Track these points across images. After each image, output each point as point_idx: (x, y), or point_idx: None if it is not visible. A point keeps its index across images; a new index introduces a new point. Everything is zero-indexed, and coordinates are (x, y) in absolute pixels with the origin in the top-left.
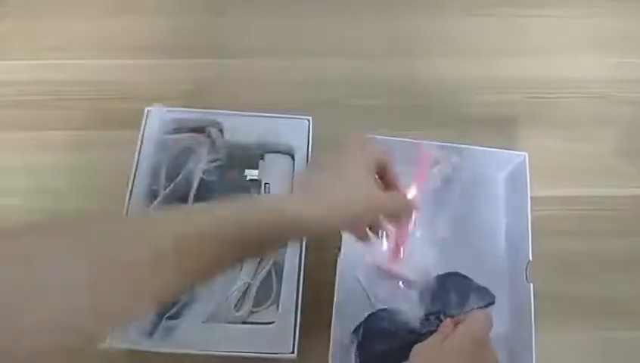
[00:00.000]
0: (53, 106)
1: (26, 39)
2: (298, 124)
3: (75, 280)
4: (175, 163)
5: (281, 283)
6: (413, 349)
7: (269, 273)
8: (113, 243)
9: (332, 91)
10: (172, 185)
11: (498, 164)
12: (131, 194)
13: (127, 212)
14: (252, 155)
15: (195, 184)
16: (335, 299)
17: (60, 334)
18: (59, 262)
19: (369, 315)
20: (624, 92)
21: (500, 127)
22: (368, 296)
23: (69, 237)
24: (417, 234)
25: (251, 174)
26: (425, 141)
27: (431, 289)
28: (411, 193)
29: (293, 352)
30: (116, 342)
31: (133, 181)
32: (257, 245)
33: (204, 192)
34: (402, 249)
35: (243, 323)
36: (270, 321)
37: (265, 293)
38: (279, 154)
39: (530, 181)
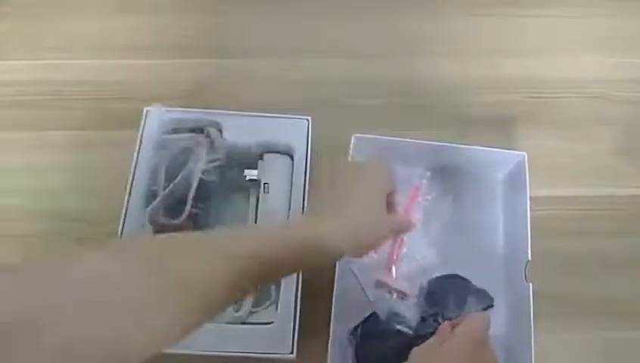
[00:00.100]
0: (53, 106)
1: (26, 39)
2: (297, 124)
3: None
4: (175, 163)
5: (280, 284)
6: (412, 352)
7: None
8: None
9: (332, 91)
10: (171, 186)
11: (498, 164)
12: (130, 195)
13: (126, 212)
14: (251, 155)
15: (194, 185)
16: (334, 299)
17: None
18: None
19: (368, 316)
20: (624, 92)
21: (500, 127)
22: (363, 289)
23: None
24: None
25: (250, 174)
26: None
27: (430, 291)
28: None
29: (292, 353)
30: None
31: (132, 181)
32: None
33: (204, 192)
34: (395, 262)
35: (243, 323)
36: (269, 321)
37: (265, 293)
38: (278, 154)
39: (530, 181)
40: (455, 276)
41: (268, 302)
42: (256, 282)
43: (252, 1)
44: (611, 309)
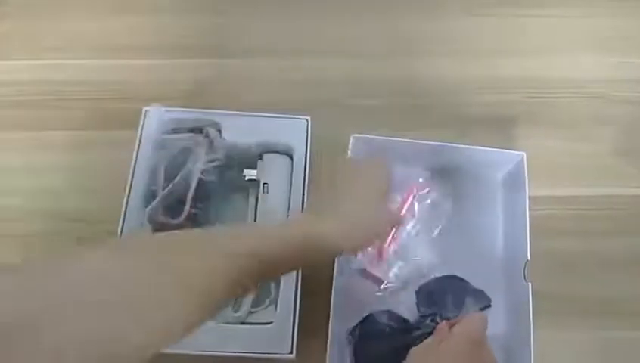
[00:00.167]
0: (53, 106)
1: (26, 39)
2: (296, 124)
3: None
4: (174, 163)
5: (279, 284)
6: (410, 352)
7: None
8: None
9: (332, 91)
10: (170, 186)
11: (497, 164)
12: (129, 195)
13: (125, 212)
14: (250, 155)
15: (194, 185)
16: (332, 299)
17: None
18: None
19: (366, 317)
20: (624, 92)
21: (500, 127)
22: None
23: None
24: (414, 234)
25: (250, 174)
26: (417, 179)
27: (428, 291)
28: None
29: (291, 353)
30: None
31: (131, 181)
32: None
33: (203, 192)
34: (384, 253)
35: (242, 323)
36: (268, 321)
37: (264, 293)
38: (277, 154)
39: (530, 181)
40: (453, 277)
41: (267, 302)
42: (256, 279)
43: (252, 1)
44: (610, 309)
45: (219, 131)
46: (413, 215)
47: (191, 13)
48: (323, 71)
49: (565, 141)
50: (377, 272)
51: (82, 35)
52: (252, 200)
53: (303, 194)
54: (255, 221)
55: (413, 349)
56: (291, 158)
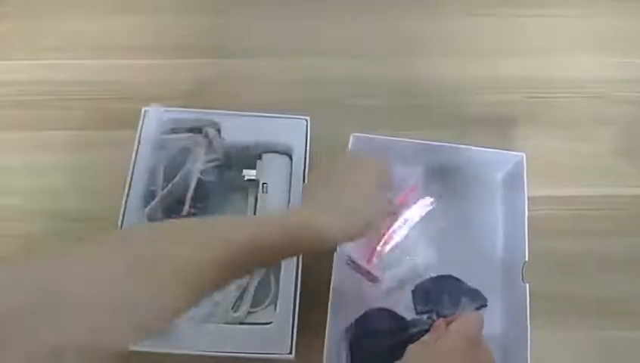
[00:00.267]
0: (53, 106)
1: (26, 39)
2: (296, 124)
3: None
4: (173, 163)
5: (278, 284)
6: (407, 350)
7: (267, 273)
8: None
9: (332, 91)
10: (169, 186)
11: (497, 164)
12: (128, 195)
13: (124, 212)
14: (250, 155)
15: (193, 185)
16: (330, 299)
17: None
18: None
19: (362, 314)
20: (624, 92)
21: (500, 127)
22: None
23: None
24: (412, 234)
25: (249, 174)
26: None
27: (424, 291)
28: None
29: (290, 353)
30: None
31: (130, 181)
32: (278, 255)
33: (202, 192)
34: (381, 253)
35: (241, 323)
36: (268, 321)
37: (263, 293)
38: (277, 154)
39: (529, 181)
40: (449, 277)
41: (266, 302)
42: (253, 267)
43: (252, 1)
44: (608, 309)
45: (218, 131)
46: (411, 216)
47: (191, 13)
48: (323, 71)
49: (565, 141)
50: (374, 271)
51: (82, 35)
52: (251, 199)
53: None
54: None
55: (410, 346)
56: (291, 158)
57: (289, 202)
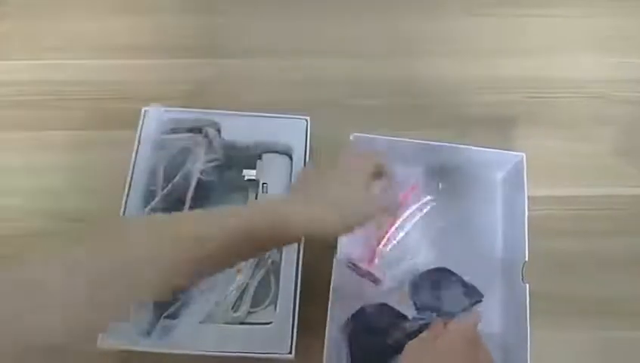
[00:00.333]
0: (53, 106)
1: (26, 39)
2: (296, 124)
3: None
4: (173, 163)
5: (278, 284)
6: (406, 347)
7: (267, 273)
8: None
9: (332, 91)
10: (169, 185)
11: (497, 164)
12: (128, 195)
13: (124, 212)
14: (250, 155)
15: (193, 184)
16: (330, 298)
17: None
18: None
19: (357, 310)
20: (624, 92)
21: (500, 127)
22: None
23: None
24: (412, 234)
25: (249, 174)
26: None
27: (419, 284)
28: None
29: (290, 353)
30: (113, 342)
31: (130, 181)
32: (247, 247)
33: (202, 192)
34: (380, 253)
35: (241, 323)
36: (268, 321)
37: (263, 293)
38: (277, 154)
39: (529, 181)
40: (444, 269)
41: (266, 302)
42: (208, 264)
43: (252, 1)
44: (609, 309)
45: (218, 131)
46: (411, 216)
47: (191, 13)
48: (323, 71)
49: (565, 141)
50: (375, 273)
51: (82, 35)
52: (251, 199)
53: None
54: None
55: (409, 343)
56: (290, 158)
57: None
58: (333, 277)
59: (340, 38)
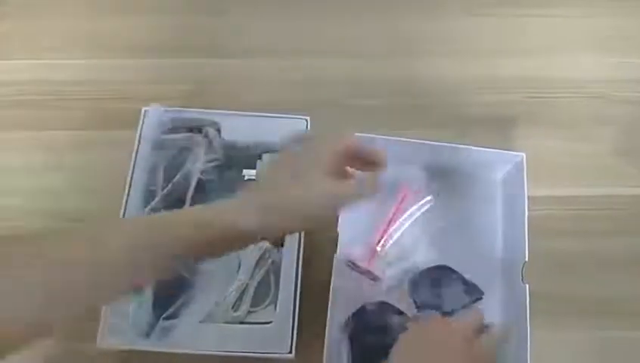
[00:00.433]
0: (53, 106)
1: (26, 39)
2: (296, 124)
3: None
4: (173, 163)
5: (278, 283)
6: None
7: (267, 273)
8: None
9: (332, 91)
10: (169, 185)
11: (497, 164)
12: (128, 195)
13: (124, 212)
14: (250, 155)
15: (193, 184)
16: (330, 298)
17: None
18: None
19: (358, 309)
20: (624, 92)
21: (500, 127)
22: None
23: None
24: (412, 234)
25: (249, 174)
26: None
27: (418, 282)
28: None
29: (290, 352)
30: (113, 342)
31: (130, 181)
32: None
33: (202, 192)
34: (378, 252)
35: (241, 323)
36: (268, 320)
37: (263, 292)
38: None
39: (529, 181)
40: (445, 267)
41: (266, 302)
42: (161, 270)
43: (252, 1)
44: (608, 309)
45: (218, 131)
46: (410, 215)
47: (190, 13)
48: (323, 71)
49: (565, 141)
50: (375, 271)
51: (82, 35)
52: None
53: None
54: None
55: (402, 336)
56: None
57: None
58: (333, 277)
59: (340, 38)
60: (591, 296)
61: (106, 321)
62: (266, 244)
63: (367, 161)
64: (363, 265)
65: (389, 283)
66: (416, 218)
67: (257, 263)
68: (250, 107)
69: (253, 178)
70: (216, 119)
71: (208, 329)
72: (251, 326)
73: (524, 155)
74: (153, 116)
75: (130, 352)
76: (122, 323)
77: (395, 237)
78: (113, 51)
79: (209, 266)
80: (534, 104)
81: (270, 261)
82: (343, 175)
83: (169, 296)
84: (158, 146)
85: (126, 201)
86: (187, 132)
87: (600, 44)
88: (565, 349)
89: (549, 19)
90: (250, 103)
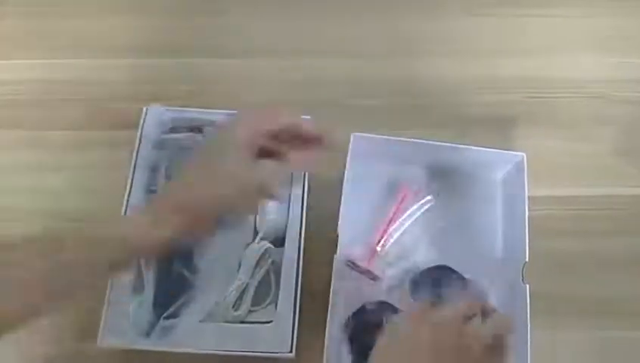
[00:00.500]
0: (53, 106)
1: (26, 39)
2: None
3: None
4: (174, 163)
5: (279, 283)
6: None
7: (267, 272)
8: None
9: (332, 91)
10: None
11: (497, 164)
12: (129, 195)
13: (125, 213)
14: None
15: None
16: (331, 297)
17: None
18: None
19: (358, 308)
20: (624, 92)
21: (500, 127)
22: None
23: None
24: (412, 234)
25: None
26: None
27: (418, 281)
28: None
29: (291, 352)
30: (113, 341)
31: (131, 181)
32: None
33: None
34: (379, 247)
35: (242, 322)
36: (268, 320)
37: (264, 292)
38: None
39: (529, 181)
40: (445, 267)
41: (267, 301)
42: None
43: (252, 1)
44: (608, 309)
45: None
46: (410, 215)
47: (191, 13)
48: (323, 71)
49: (565, 141)
50: (374, 270)
51: (83, 34)
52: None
53: (302, 194)
54: (255, 220)
55: (379, 340)
56: None
57: (288, 201)
58: (333, 277)
59: (340, 38)
60: (591, 296)
61: (106, 321)
62: (267, 244)
63: (307, 139)
64: (363, 264)
65: (389, 283)
66: (416, 218)
67: (258, 263)
68: (250, 106)
69: None
70: (217, 118)
71: (208, 328)
72: (251, 325)
73: (524, 155)
74: (153, 115)
75: (130, 351)
76: (123, 322)
77: (395, 236)
78: (113, 51)
79: (209, 266)
80: (534, 104)
81: (270, 260)
82: (269, 155)
83: (170, 295)
84: (159, 145)
85: (127, 201)
86: (187, 132)
87: (600, 44)
88: (565, 349)
89: (549, 19)
90: (250, 103)
